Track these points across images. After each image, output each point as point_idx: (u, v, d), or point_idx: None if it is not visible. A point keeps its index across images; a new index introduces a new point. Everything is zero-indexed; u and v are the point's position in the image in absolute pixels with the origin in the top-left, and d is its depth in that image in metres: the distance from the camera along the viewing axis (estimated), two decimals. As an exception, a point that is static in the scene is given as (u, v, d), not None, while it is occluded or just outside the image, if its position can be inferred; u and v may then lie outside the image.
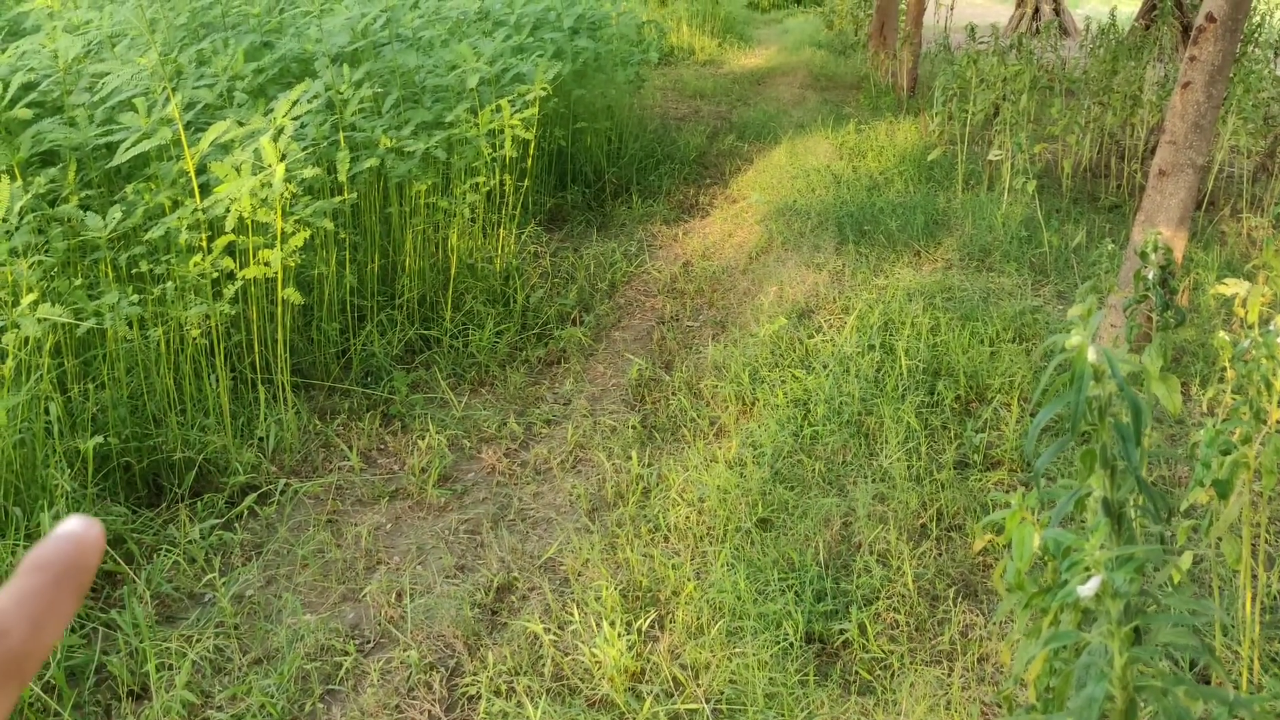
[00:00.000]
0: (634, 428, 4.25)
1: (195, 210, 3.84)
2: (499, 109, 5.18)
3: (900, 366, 4.39)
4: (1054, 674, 1.41)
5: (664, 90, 11.62)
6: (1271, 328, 2.62)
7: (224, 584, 3.29)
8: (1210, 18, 4.36)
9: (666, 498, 3.71)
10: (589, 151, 7.78)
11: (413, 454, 4.09)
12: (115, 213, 3.67)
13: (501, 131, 5.23)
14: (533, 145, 5.99)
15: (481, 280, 5.38)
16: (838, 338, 4.77)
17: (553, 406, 4.54)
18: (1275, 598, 3.15)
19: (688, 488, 3.74)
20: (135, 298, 3.68)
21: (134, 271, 3.98)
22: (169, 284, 3.86)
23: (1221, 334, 2.82)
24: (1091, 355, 1.30)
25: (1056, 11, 17.93)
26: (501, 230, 5.70)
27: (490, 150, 5.25)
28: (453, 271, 5.17)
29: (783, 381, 4.41)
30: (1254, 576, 2.96)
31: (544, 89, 5.43)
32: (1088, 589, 1.14)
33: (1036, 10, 17.99)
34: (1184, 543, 3.01)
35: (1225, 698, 1.27)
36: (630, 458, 3.97)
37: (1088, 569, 1.14)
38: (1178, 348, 4.77)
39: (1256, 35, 7.53)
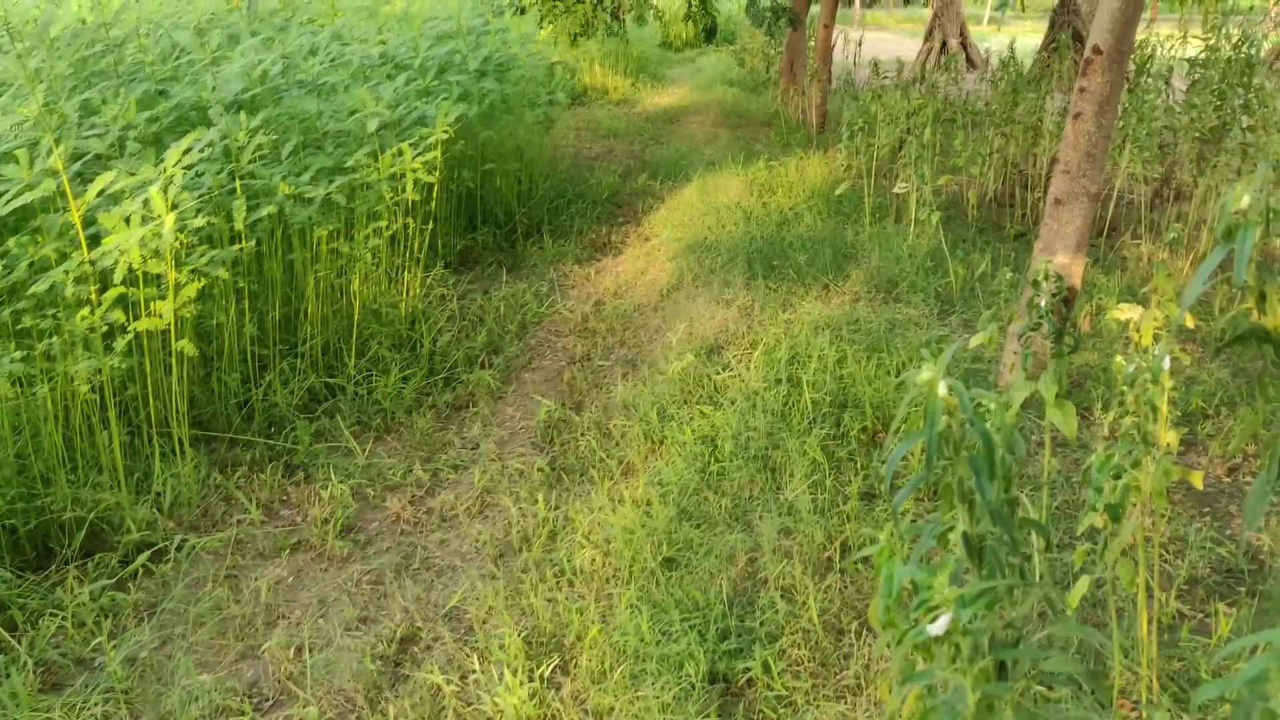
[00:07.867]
0: (542, 470, 4.21)
1: (83, 263, 3.75)
2: (400, 153, 5.13)
3: (805, 400, 4.40)
4: (928, 713, 1.40)
5: (577, 130, 11.66)
6: (1157, 351, 2.67)
7: (114, 647, 3.18)
8: (1097, 50, 4.46)
9: (573, 540, 3.67)
10: (499, 193, 7.75)
11: (315, 505, 4.01)
12: (-4, 267, 3.57)
13: (404, 175, 5.18)
14: (437, 188, 5.95)
15: (386, 325, 5.31)
16: (745, 373, 4.78)
17: (460, 452, 4.49)
18: (1174, 617, 3.19)
19: (594, 529, 3.70)
20: (19, 355, 3.58)
21: (19, 327, 3.86)
22: (55, 339, 3.75)
23: (1119, 359, 2.85)
24: (942, 390, 1.29)
25: (963, 45, 18.35)
26: (407, 274, 5.65)
27: (392, 194, 5.20)
28: (356, 317, 5.10)
29: (690, 419, 4.39)
30: (1150, 596, 2.99)
31: (446, 131, 5.40)
32: (937, 627, 1.13)
33: (944, 44, 18.39)
34: (1080, 566, 3.04)
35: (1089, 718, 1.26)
36: (537, 501, 3.92)
37: (937, 606, 1.13)
38: (1080, 372, 4.85)
39: (1148, 66, 7.73)
